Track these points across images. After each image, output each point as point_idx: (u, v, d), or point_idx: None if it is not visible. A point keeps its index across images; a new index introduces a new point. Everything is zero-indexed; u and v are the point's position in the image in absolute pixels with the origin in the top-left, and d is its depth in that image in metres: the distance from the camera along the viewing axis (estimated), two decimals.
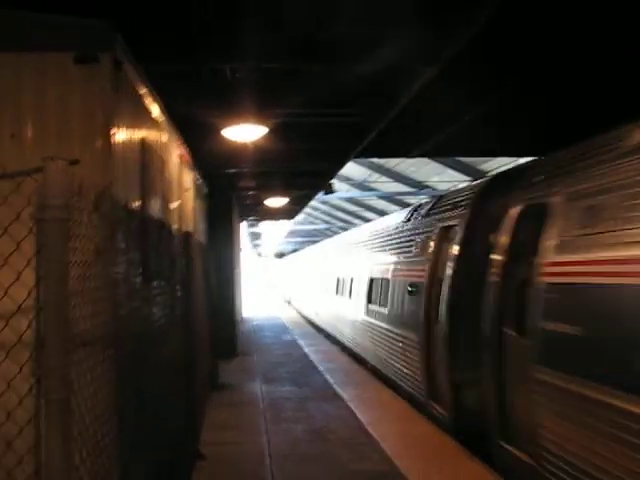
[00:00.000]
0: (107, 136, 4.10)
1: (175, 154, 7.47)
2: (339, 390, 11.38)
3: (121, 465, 3.97)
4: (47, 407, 2.68)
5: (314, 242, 40.43)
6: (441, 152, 17.09)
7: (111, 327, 3.87)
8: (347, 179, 26.94)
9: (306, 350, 17.10)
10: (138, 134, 5.12)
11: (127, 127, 4.65)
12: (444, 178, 23.75)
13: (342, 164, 14.27)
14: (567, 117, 11.38)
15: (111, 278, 3.99)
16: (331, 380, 12.41)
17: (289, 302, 40.78)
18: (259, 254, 68.71)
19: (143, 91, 5.22)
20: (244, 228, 31.47)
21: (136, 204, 4.91)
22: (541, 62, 9.19)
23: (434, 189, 24.93)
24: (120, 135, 4.38)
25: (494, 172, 19.87)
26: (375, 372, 13.15)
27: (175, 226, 7.11)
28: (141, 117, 5.27)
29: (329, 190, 17.06)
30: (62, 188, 2.71)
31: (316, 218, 44.56)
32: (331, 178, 16.20)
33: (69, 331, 2.78)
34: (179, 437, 6.58)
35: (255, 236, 48.90)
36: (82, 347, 3.19)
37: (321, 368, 13.92)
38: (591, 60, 9.00)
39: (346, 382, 12.22)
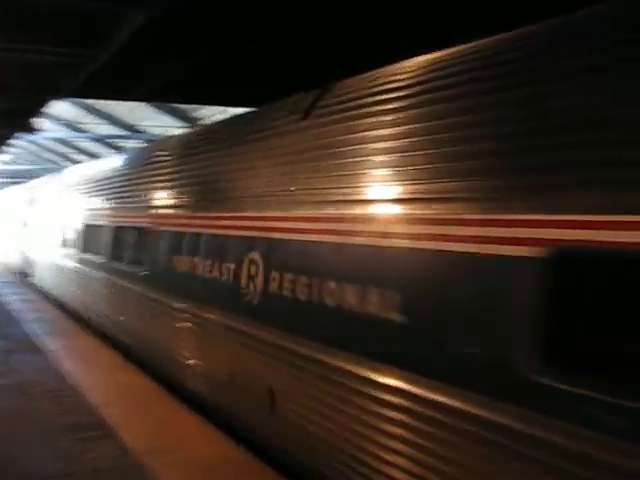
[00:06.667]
0: None
1: None
2: (46, 341, 10.97)
3: None
4: None
5: (21, 183, 37.67)
6: (158, 97, 16.86)
7: None
8: (56, 119, 25.45)
9: (8, 299, 16.12)
10: None
11: None
12: (156, 123, 23.44)
13: (45, 103, 13.32)
14: (279, 69, 11.86)
15: None
16: (38, 331, 11.89)
17: None
18: None
19: None
20: None
21: None
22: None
23: (147, 133, 24.56)
24: None
25: (207, 119, 20.21)
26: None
27: None
28: None
29: (33, 130, 15.90)
30: None
31: (22, 158, 41.46)
32: (33, 117, 15.07)
33: None
34: None
35: None
36: None
37: (27, 318, 13.25)
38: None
39: (53, 332, 11.81)
